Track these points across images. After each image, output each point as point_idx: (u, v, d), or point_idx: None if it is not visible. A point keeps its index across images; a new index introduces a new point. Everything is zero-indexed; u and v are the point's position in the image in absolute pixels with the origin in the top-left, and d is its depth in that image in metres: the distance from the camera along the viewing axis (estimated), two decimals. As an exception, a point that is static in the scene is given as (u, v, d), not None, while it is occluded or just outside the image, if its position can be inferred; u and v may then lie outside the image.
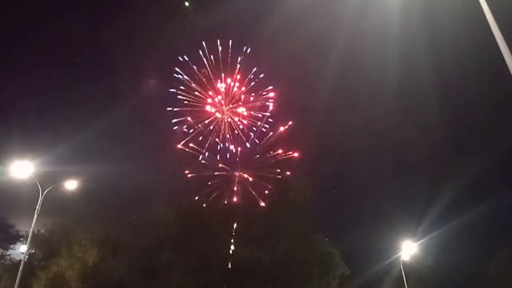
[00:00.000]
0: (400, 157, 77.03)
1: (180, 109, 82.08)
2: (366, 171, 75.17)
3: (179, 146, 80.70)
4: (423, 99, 74.48)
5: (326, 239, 44.70)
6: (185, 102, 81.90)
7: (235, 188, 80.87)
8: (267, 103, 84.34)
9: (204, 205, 59.01)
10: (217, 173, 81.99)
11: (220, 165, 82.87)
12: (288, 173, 75.91)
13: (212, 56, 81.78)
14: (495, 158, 59.73)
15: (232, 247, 44.56)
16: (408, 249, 40.27)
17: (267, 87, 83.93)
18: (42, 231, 37.15)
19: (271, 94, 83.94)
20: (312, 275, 41.56)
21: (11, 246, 40.55)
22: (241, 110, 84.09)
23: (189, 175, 78.83)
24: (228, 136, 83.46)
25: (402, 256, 40.10)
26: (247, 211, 49.34)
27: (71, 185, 28.40)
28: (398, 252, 41.10)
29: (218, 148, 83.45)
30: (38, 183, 26.16)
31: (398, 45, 62.80)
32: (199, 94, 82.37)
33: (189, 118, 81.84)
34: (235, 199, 77.52)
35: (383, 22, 50.89)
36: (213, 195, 76.57)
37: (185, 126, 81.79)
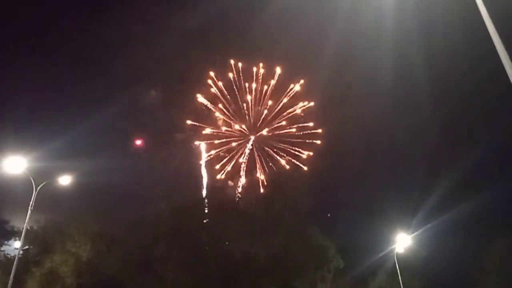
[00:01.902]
0: (394, 151, 77.43)
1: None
2: (360, 165, 75.34)
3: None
4: (417, 94, 74.55)
5: (321, 232, 44.89)
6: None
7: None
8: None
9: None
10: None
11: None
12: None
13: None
14: (488, 151, 60.14)
15: (227, 241, 44.67)
16: (402, 242, 40.58)
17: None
18: (35, 227, 36.98)
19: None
20: (307, 268, 41.79)
21: (6, 242, 40.44)
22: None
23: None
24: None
25: (396, 248, 40.40)
26: (243, 205, 49.40)
27: (65, 180, 28.29)
28: (392, 245, 41.41)
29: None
30: (31, 178, 26.02)
31: (392, 40, 62.82)
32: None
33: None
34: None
35: (377, 18, 50.89)
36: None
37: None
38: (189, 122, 79.10)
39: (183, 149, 78.51)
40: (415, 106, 75.31)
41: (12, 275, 23.78)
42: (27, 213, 25.43)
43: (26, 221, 25.85)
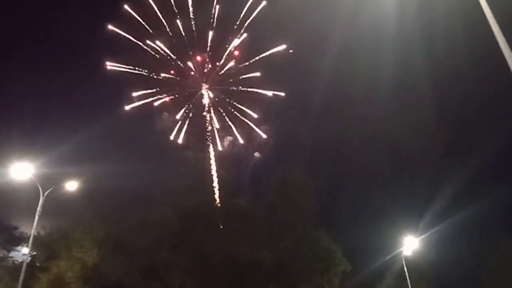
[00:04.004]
0: (399, 153, 76.91)
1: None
2: (366, 167, 74.96)
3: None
4: (419, 96, 74.10)
5: (327, 235, 44.74)
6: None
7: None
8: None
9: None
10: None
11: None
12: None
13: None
14: (493, 153, 59.75)
15: (234, 245, 44.67)
16: (410, 244, 40.26)
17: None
18: (42, 233, 37.11)
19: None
20: (314, 272, 41.63)
21: (14, 248, 40.61)
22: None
23: None
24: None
25: (404, 251, 40.11)
26: (248, 209, 49.39)
27: (71, 186, 28.37)
28: (400, 248, 41.11)
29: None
30: (38, 184, 26.13)
31: (393, 41, 62.67)
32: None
33: None
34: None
35: (378, 18, 50.73)
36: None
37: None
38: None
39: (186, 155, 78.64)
40: (418, 108, 74.99)
41: (20, 281, 23.82)
42: (34, 219, 25.53)
43: (34, 227, 25.93)
